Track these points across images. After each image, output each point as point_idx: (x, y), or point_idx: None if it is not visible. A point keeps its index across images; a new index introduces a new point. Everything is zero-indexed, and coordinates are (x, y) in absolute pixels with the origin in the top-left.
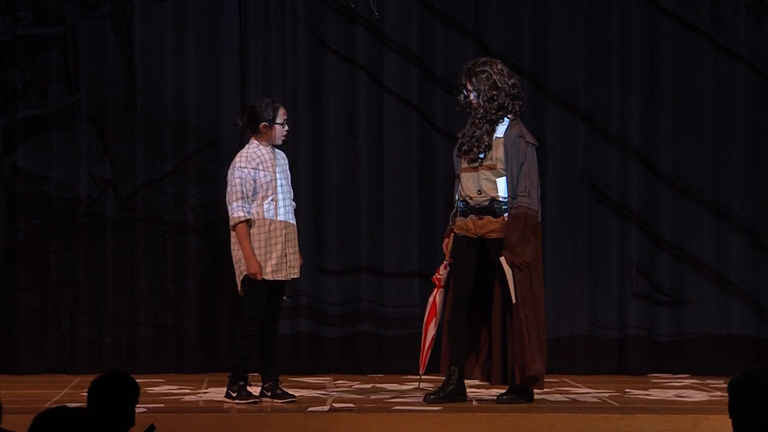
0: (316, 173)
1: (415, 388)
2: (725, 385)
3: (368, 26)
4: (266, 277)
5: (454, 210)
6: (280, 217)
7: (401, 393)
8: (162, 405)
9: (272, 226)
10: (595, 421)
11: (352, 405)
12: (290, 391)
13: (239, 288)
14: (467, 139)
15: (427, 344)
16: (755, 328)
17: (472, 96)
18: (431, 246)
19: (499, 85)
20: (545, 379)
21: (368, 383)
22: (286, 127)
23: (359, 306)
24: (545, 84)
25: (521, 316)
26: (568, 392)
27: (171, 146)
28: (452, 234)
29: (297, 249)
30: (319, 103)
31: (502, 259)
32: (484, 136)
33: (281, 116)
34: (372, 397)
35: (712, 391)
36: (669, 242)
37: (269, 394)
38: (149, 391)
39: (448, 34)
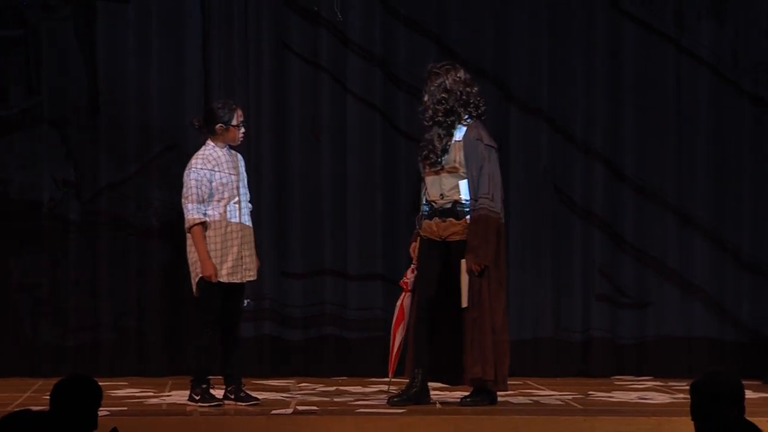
0: (279, 176)
1: (382, 391)
2: (688, 388)
3: (332, 29)
4: (221, 280)
5: (420, 213)
6: (235, 219)
7: (365, 395)
8: (125, 408)
9: (228, 228)
10: (558, 423)
11: (315, 407)
12: (254, 394)
13: (194, 290)
14: (424, 144)
15: (395, 348)
16: (718, 331)
17: (426, 97)
18: (395, 249)
19: (450, 89)
20: (509, 382)
21: (332, 386)
22: (243, 129)
23: (323, 309)
24: (508, 87)
25: (468, 320)
26: (531, 394)
27: (134, 149)
28: (419, 237)
29: (254, 251)
30: (283, 106)
31: (463, 262)
32: (436, 141)
33: (238, 118)
34: (335, 399)
35: (675, 394)
36: (632, 245)
37: (232, 396)
38: (112, 394)
39: (411, 37)
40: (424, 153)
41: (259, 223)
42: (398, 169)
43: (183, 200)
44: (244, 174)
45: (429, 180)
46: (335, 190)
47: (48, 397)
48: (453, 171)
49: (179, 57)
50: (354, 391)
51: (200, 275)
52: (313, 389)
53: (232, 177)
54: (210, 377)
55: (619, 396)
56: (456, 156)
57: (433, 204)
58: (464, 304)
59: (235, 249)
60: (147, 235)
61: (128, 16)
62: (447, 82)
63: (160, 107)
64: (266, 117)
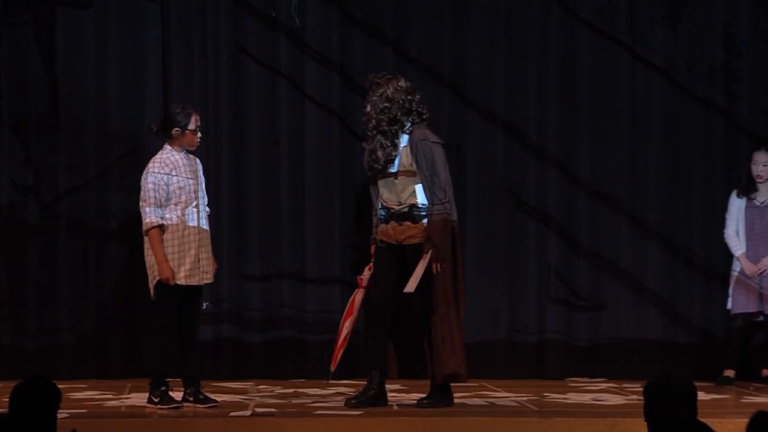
0: (238, 179)
1: (340, 393)
2: (641, 389)
3: (290, 35)
4: (179, 282)
5: (377, 217)
6: (193, 223)
7: (322, 398)
8: (84, 410)
9: (186, 232)
10: (514, 425)
11: (273, 410)
12: (212, 396)
13: (152, 293)
14: (368, 153)
15: (340, 341)
16: (670, 333)
17: (368, 107)
18: (352, 252)
19: (392, 98)
20: (461, 383)
21: (290, 388)
22: (200, 134)
23: (281, 312)
24: (465, 93)
25: (435, 316)
26: (487, 396)
27: (93, 153)
28: (375, 240)
29: (211, 254)
30: (241, 111)
31: (425, 255)
32: (379, 150)
33: (194, 122)
34: (294, 401)
35: (629, 395)
36: (586, 248)
37: (191, 399)
38: (71, 397)
39: (368, 42)
40: (368, 162)
41: (218, 227)
42: (355, 173)
43: (141, 203)
44: (202, 178)
45: (382, 185)
46: (293, 194)
47: (7, 400)
48: (407, 175)
49: (138, 62)
50: (312, 393)
51: (157, 278)
52: (272, 391)
53: (190, 181)
54: (168, 380)
55: (573, 397)
56: (407, 161)
57: (390, 209)
58: (409, 289)
59: (193, 252)
60: (106, 239)
61: (87, 22)
62: (389, 91)
63: (119, 111)
64: (225, 121)
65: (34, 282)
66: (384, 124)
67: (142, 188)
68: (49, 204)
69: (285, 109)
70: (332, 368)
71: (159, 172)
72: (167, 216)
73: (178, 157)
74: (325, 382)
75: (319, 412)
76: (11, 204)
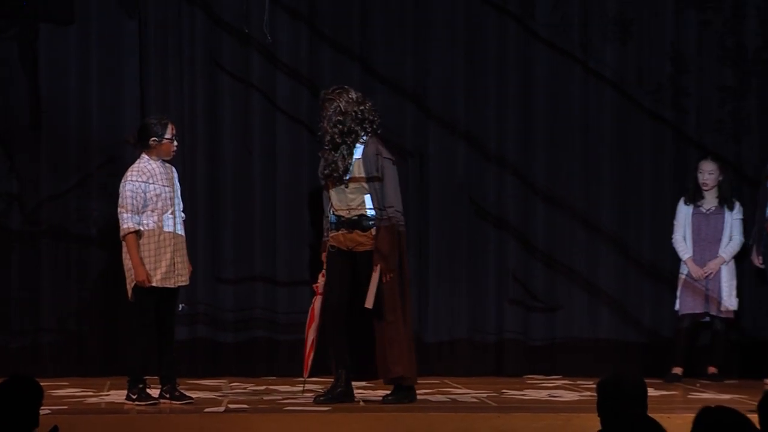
0: (213, 187)
1: (309, 390)
2: (594, 386)
3: (262, 50)
4: (155, 284)
5: (328, 224)
6: (169, 229)
7: (293, 394)
8: (66, 407)
9: (162, 237)
10: (474, 420)
11: (246, 406)
12: (188, 393)
13: (130, 295)
14: (327, 164)
15: (308, 348)
16: (622, 332)
17: (324, 122)
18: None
19: (345, 111)
20: (424, 380)
21: (262, 385)
22: (176, 143)
23: (253, 313)
24: (427, 104)
25: (386, 323)
26: (448, 393)
27: (74, 162)
28: (327, 246)
29: (186, 258)
30: (216, 122)
31: (377, 268)
32: (339, 161)
33: (170, 132)
34: (265, 398)
35: (583, 391)
36: (543, 252)
37: (168, 396)
38: (53, 394)
39: (336, 57)
40: (327, 172)
41: (194, 233)
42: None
43: (119, 210)
44: (178, 186)
45: (333, 193)
46: (265, 201)
47: None
48: (358, 186)
49: (117, 76)
50: (283, 390)
51: (134, 281)
52: (244, 389)
53: (166, 188)
54: (146, 378)
55: (530, 394)
56: (359, 171)
57: (340, 216)
58: (368, 305)
59: (168, 256)
60: (86, 244)
61: (69, 38)
62: (341, 105)
63: (98, 123)
64: (200, 132)
65: (18, 285)
66: (337, 137)
67: (120, 195)
68: (32, 211)
69: (257, 121)
70: (305, 375)
71: (137, 180)
72: (144, 222)
73: (154, 165)
74: (296, 379)
75: (289, 408)
76: None
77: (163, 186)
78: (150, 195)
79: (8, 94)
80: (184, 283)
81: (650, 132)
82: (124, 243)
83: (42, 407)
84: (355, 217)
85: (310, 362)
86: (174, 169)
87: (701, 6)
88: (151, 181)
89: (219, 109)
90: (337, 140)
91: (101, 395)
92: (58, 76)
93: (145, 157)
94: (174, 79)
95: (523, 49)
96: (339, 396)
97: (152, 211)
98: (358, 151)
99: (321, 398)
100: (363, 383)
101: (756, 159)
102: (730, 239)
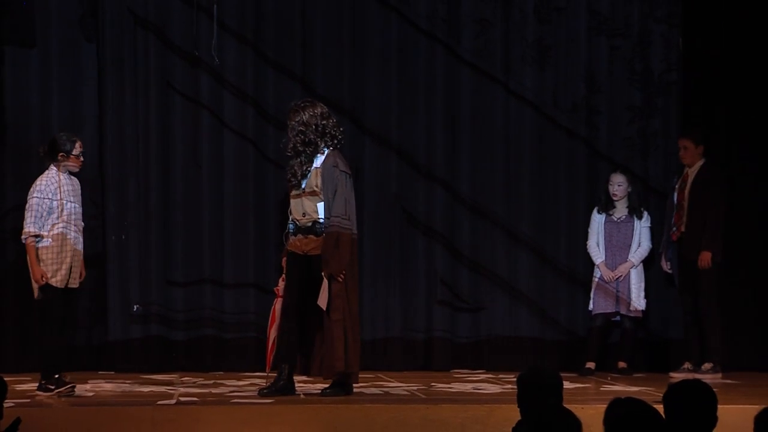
0: (165, 198)
1: (254, 384)
2: (515, 379)
3: (210, 71)
4: (55, 285)
5: (287, 230)
6: (71, 235)
7: (239, 388)
8: (28, 400)
9: (63, 243)
10: (405, 411)
11: (196, 399)
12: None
13: (35, 294)
14: (289, 170)
15: (270, 346)
16: (540, 331)
17: (288, 131)
18: (264, 261)
19: (308, 123)
20: (360, 374)
21: (210, 380)
22: (81, 158)
23: (202, 313)
24: (362, 121)
25: (330, 322)
26: (382, 386)
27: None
28: (287, 251)
29: (81, 263)
30: (168, 138)
31: (324, 272)
32: (297, 168)
33: (77, 148)
34: (213, 391)
35: (504, 384)
36: (468, 257)
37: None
38: (17, 388)
39: (279, 78)
40: (288, 178)
41: (147, 239)
42: (268, 192)
43: (25, 216)
44: (80, 196)
45: (293, 201)
46: (213, 210)
47: None
48: (313, 194)
49: (76, 95)
50: (229, 384)
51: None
52: (194, 382)
53: (71, 198)
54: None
55: (457, 387)
56: (315, 181)
57: (297, 222)
58: (324, 307)
59: (68, 260)
60: None
61: (32, 59)
62: (305, 116)
63: None
64: (153, 147)
65: None
66: (300, 145)
67: (28, 203)
68: None
69: (206, 137)
70: (267, 370)
71: (43, 190)
72: (47, 228)
73: (61, 177)
74: (242, 374)
75: (235, 400)
76: None
77: (68, 197)
78: (55, 204)
79: None
80: (75, 286)
81: (565, 147)
82: (26, 246)
83: (6, 401)
84: (309, 224)
85: (272, 358)
86: (77, 181)
87: (612, 33)
88: (57, 193)
89: (171, 126)
90: (299, 148)
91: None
92: (21, 95)
93: (53, 169)
94: (129, 97)
95: (450, 71)
96: (281, 389)
97: (58, 218)
98: (318, 161)
99: (264, 391)
100: (303, 378)
101: (661, 172)
102: (639, 245)
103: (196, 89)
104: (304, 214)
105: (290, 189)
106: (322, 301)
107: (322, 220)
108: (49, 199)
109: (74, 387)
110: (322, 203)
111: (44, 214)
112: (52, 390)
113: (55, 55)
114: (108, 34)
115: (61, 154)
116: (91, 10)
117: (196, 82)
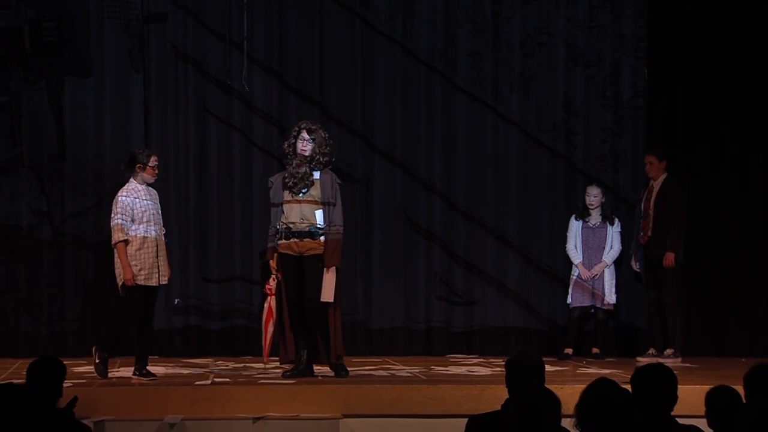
0: (201, 207)
1: (279, 368)
2: (503, 363)
3: (241, 98)
4: (139, 283)
5: (275, 234)
6: (152, 236)
7: (265, 371)
8: (84, 381)
9: (145, 244)
10: (409, 390)
11: (228, 379)
12: (153, 371)
13: (120, 291)
14: (291, 176)
15: (268, 339)
16: (525, 321)
17: (309, 145)
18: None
19: (328, 143)
20: (369, 359)
21: (241, 363)
22: (157, 171)
23: (234, 306)
24: (372, 141)
25: (332, 312)
26: (389, 369)
27: (91, 186)
28: (275, 254)
29: (166, 261)
30: (204, 155)
31: (327, 269)
32: (301, 176)
33: (153, 161)
34: (244, 373)
35: (494, 368)
36: (463, 258)
37: (137, 373)
38: (75, 370)
39: (300, 103)
40: (290, 183)
41: (185, 243)
42: None
43: (111, 221)
44: (158, 204)
45: (289, 206)
46: (243, 217)
47: (25, 373)
48: (312, 202)
49: (126, 118)
50: (257, 367)
51: (122, 280)
52: (227, 366)
53: (150, 204)
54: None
55: (453, 370)
56: (316, 191)
57: (291, 226)
58: (326, 298)
59: (151, 259)
60: (102, 252)
61: (88, 87)
62: (326, 136)
63: (111, 155)
64: (192, 163)
65: (47, 283)
66: (317, 159)
67: (113, 210)
68: (59, 224)
69: (237, 154)
70: (265, 360)
71: (127, 197)
72: (131, 231)
73: (140, 187)
74: (266, 360)
75: (262, 381)
76: (29, 225)
77: (147, 202)
78: (137, 210)
79: (40, 132)
80: (164, 283)
81: (547, 163)
82: (115, 249)
83: (66, 381)
84: (306, 228)
85: (268, 350)
86: (155, 191)
87: (587, 64)
88: (137, 198)
89: (207, 145)
90: (317, 158)
91: (112, 371)
92: (79, 117)
93: (132, 180)
94: (171, 120)
95: (447, 97)
96: (302, 372)
97: (139, 222)
98: (316, 175)
99: (287, 374)
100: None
101: (630, 184)
102: (611, 247)
103: (228, 113)
104: (302, 218)
105: (288, 194)
106: (329, 294)
107: (319, 226)
108: (130, 206)
109: (106, 365)
110: (320, 211)
111: (129, 219)
112: (96, 363)
113: (108, 83)
114: (153, 65)
115: (138, 165)
116: (138, 45)
117: (229, 107)
